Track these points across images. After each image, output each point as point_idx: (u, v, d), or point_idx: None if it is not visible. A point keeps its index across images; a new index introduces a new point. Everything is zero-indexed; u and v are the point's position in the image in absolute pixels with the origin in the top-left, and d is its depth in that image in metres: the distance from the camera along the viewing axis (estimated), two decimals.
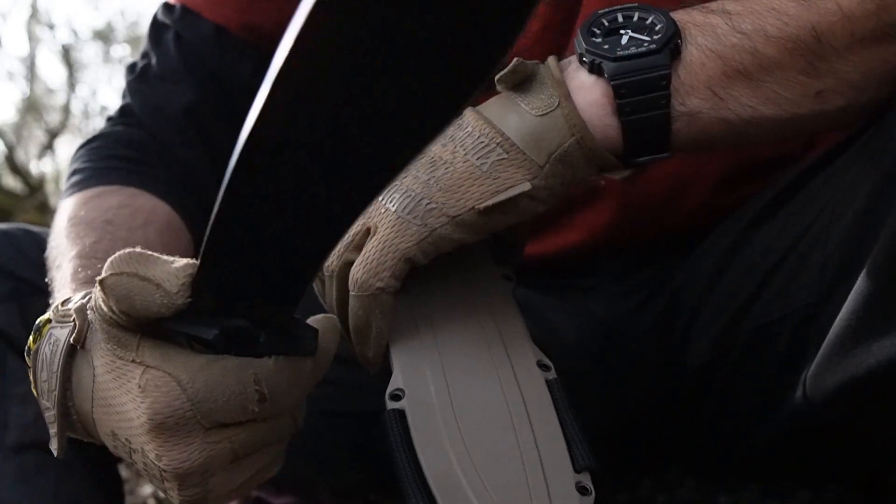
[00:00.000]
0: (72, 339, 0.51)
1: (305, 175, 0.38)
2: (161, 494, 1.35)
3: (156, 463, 0.50)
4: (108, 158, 0.81)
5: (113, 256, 0.48)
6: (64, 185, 0.83)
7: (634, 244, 0.80)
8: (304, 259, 0.44)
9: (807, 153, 0.78)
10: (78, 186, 0.78)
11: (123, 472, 0.90)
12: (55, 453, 0.53)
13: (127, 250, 0.49)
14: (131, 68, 0.86)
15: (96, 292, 0.50)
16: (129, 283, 0.47)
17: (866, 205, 0.55)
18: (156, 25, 0.85)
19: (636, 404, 0.83)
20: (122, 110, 0.85)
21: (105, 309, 0.49)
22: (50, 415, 0.53)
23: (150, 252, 0.49)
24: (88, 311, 0.51)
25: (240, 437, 0.51)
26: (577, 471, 0.49)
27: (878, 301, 0.53)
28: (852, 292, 0.55)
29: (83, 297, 0.53)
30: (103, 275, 0.48)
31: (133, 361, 0.50)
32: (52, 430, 0.54)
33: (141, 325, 0.49)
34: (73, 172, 0.81)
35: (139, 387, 0.49)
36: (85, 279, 0.62)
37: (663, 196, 0.78)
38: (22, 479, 0.70)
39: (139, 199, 0.77)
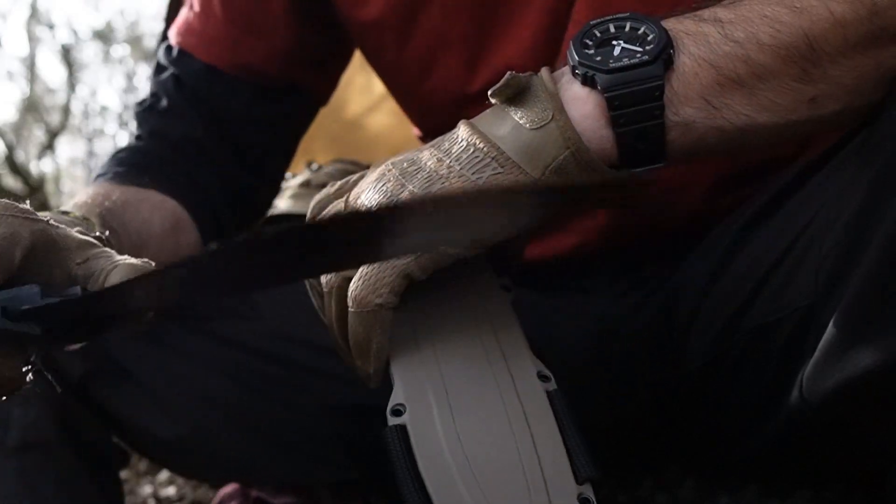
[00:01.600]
0: None
1: None
2: (161, 494, 1.36)
3: None
4: (123, 165, 0.86)
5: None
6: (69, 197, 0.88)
7: (631, 246, 0.80)
8: None
9: (802, 155, 0.78)
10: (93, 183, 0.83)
11: (123, 472, 0.91)
12: None
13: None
14: (141, 102, 0.91)
15: None
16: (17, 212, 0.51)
17: (861, 206, 0.55)
18: (157, 67, 0.91)
19: (634, 404, 0.83)
20: (136, 137, 0.91)
21: None
22: None
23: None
24: None
25: None
26: (578, 482, 0.49)
27: (872, 302, 0.53)
28: (846, 295, 0.55)
29: None
30: None
31: None
32: None
33: None
34: (97, 177, 0.86)
35: None
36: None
37: (658, 200, 0.78)
38: (23, 478, 0.72)
39: (144, 192, 0.81)
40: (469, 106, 0.79)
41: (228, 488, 1.05)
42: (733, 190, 0.78)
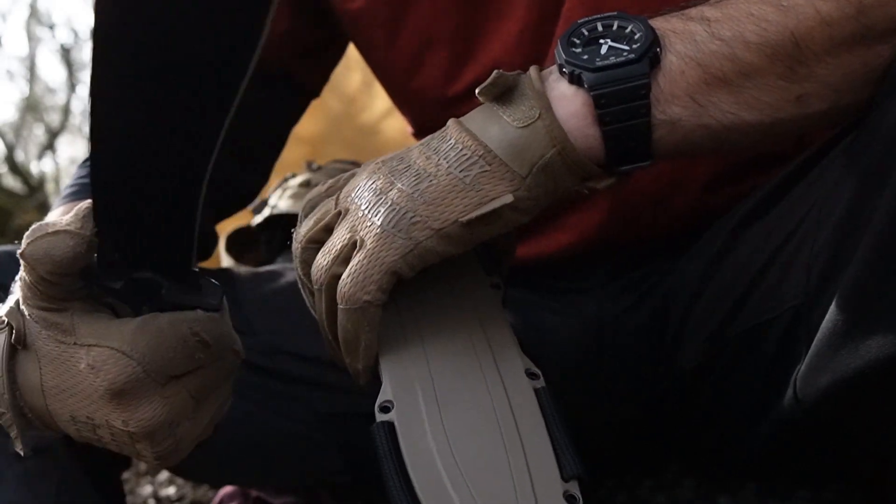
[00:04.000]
0: (12, 341, 0.56)
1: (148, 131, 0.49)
2: (161, 494, 1.37)
3: (123, 429, 0.55)
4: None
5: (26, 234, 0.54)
6: (62, 193, 0.86)
7: (625, 245, 0.81)
8: (179, 214, 0.53)
9: (798, 152, 0.79)
10: (65, 200, 0.83)
11: (124, 473, 0.92)
12: (21, 453, 0.59)
13: (34, 224, 0.55)
14: None
15: (22, 272, 0.55)
16: (42, 242, 0.53)
17: (850, 205, 0.55)
18: None
19: (630, 404, 0.84)
20: None
21: (30, 279, 0.55)
22: (6, 418, 0.58)
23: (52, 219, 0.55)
24: (23, 308, 0.56)
25: (193, 383, 0.57)
26: (565, 479, 0.50)
27: (862, 302, 0.54)
28: (838, 294, 0.56)
29: (12, 301, 0.58)
30: (20, 251, 0.54)
31: (76, 344, 0.55)
32: (13, 434, 0.58)
33: (69, 284, 0.55)
34: (67, 188, 0.85)
35: (89, 366, 0.54)
36: None
37: (653, 197, 0.79)
38: (25, 484, 0.73)
39: None
40: (458, 102, 0.80)
41: (228, 488, 1.07)
42: (726, 187, 0.79)
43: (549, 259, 0.83)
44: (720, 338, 0.71)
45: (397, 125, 1.75)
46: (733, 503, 0.85)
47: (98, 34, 0.46)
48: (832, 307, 0.56)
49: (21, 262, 0.54)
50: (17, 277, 0.57)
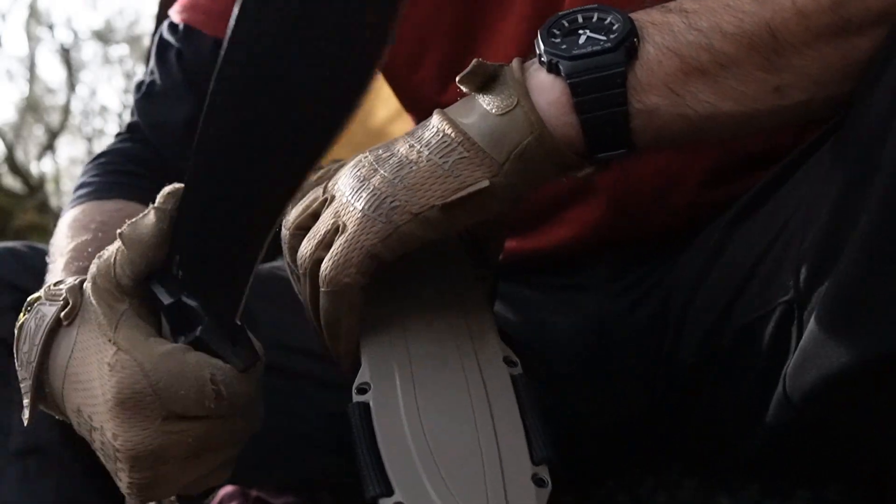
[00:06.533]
0: (62, 314, 0.59)
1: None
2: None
3: (112, 442, 0.58)
4: (112, 174, 0.89)
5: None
6: (70, 196, 0.90)
7: (625, 241, 0.84)
8: (243, 252, 0.56)
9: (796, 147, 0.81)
10: (81, 199, 0.85)
11: None
12: (24, 422, 0.61)
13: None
14: (138, 86, 0.93)
15: (113, 247, 0.59)
16: (139, 224, 0.58)
17: (837, 203, 0.57)
18: (161, 44, 0.92)
19: (630, 402, 0.85)
20: (130, 126, 0.94)
21: (112, 261, 0.58)
22: (25, 384, 0.61)
23: None
24: (86, 286, 0.59)
25: (195, 431, 0.58)
26: (535, 463, 0.52)
27: (849, 300, 0.55)
28: (825, 292, 0.57)
29: (76, 280, 0.61)
30: (122, 229, 0.58)
31: (109, 340, 0.57)
32: (25, 401, 0.61)
33: (137, 277, 0.59)
34: (80, 186, 0.88)
35: (108, 365, 0.57)
36: (76, 269, 0.69)
37: (651, 192, 0.81)
38: (24, 482, 0.74)
39: (136, 207, 0.83)
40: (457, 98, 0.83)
41: (228, 488, 1.07)
42: (725, 184, 0.81)
43: (548, 254, 0.85)
44: (717, 334, 0.73)
45: (406, 129, 1.76)
46: (734, 503, 0.86)
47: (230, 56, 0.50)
48: (819, 305, 0.58)
49: (118, 238, 0.59)
50: (99, 255, 0.61)
